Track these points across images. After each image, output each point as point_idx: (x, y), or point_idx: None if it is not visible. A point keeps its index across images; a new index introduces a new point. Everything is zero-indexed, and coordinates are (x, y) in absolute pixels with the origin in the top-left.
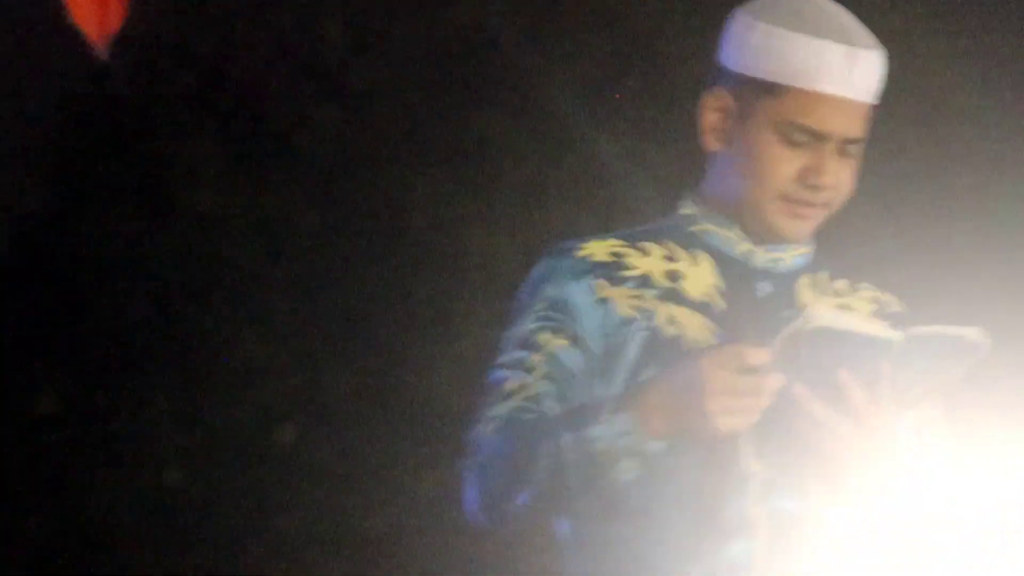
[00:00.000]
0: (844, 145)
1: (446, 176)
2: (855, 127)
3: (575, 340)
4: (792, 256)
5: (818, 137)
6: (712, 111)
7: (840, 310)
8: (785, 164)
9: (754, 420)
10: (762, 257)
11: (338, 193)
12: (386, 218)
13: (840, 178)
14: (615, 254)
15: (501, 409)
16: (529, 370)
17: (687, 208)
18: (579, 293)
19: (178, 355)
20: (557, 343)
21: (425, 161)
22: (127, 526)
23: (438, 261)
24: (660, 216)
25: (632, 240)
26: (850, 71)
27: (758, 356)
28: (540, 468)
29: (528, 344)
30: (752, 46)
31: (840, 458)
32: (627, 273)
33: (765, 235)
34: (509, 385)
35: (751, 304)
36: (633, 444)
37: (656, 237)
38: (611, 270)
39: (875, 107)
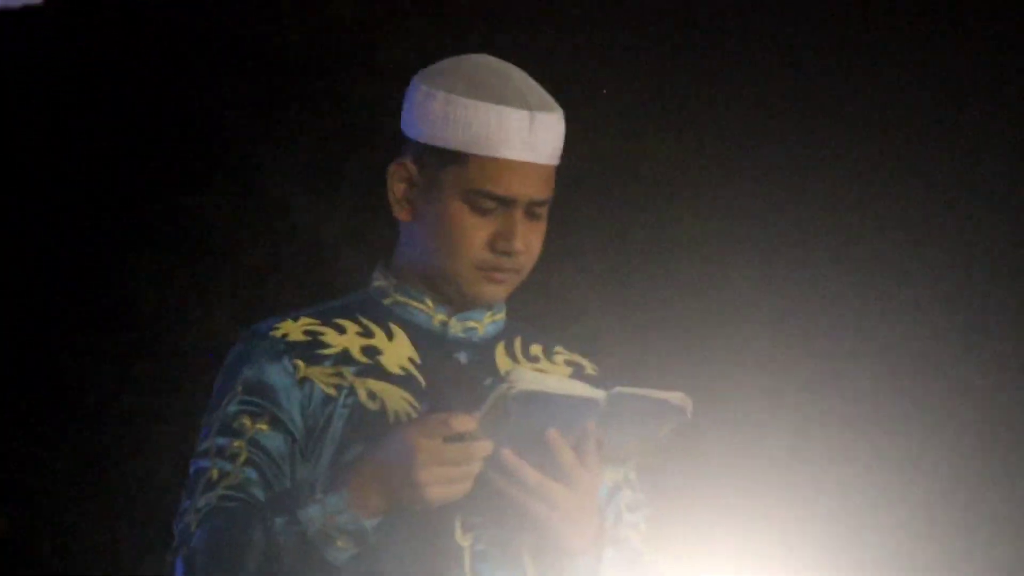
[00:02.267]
0: (531, 208)
1: (169, 258)
2: (540, 190)
3: (276, 423)
4: (486, 325)
5: (505, 203)
6: (397, 181)
7: (541, 373)
8: (475, 232)
9: (466, 488)
10: (456, 327)
11: (60, 277)
12: (108, 300)
13: (530, 241)
14: (310, 332)
15: (205, 500)
16: (231, 457)
17: (379, 281)
18: (277, 374)
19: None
20: (258, 427)
21: (147, 244)
22: None
23: (159, 343)
24: (354, 290)
25: (327, 317)
26: (531, 135)
27: (464, 423)
28: (252, 556)
29: (229, 430)
30: (431, 115)
31: (552, 522)
32: (324, 352)
33: (459, 301)
34: (212, 474)
35: (450, 374)
36: (347, 522)
37: (350, 312)
38: (308, 349)
39: (559, 167)
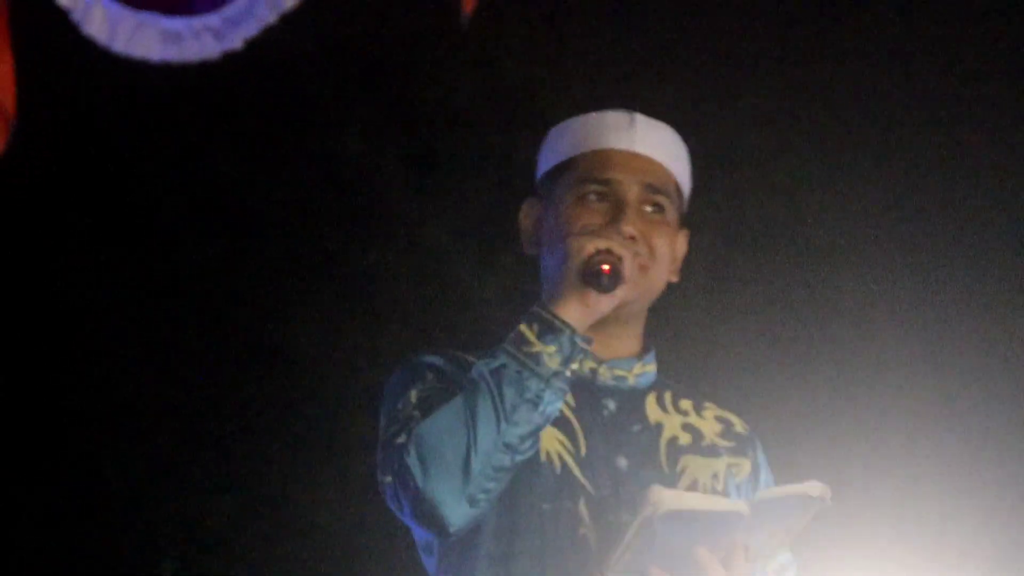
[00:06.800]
0: (643, 196)
1: (334, 306)
2: (647, 176)
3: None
4: (635, 374)
5: (612, 186)
6: (526, 218)
7: (684, 492)
8: (585, 217)
9: None
10: (606, 374)
11: (226, 319)
12: (273, 346)
13: (648, 234)
14: (470, 364)
15: (407, 420)
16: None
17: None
18: (443, 363)
19: (58, 483)
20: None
21: (313, 290)
22: None
23: (325, 388)
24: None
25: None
26: (631, 130)
27: None
28: (484, 393)
29: (409, 413)
30: (549, 146)
31: None
32: None
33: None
34: (406, 419)
35: (600, 420)
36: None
37: None
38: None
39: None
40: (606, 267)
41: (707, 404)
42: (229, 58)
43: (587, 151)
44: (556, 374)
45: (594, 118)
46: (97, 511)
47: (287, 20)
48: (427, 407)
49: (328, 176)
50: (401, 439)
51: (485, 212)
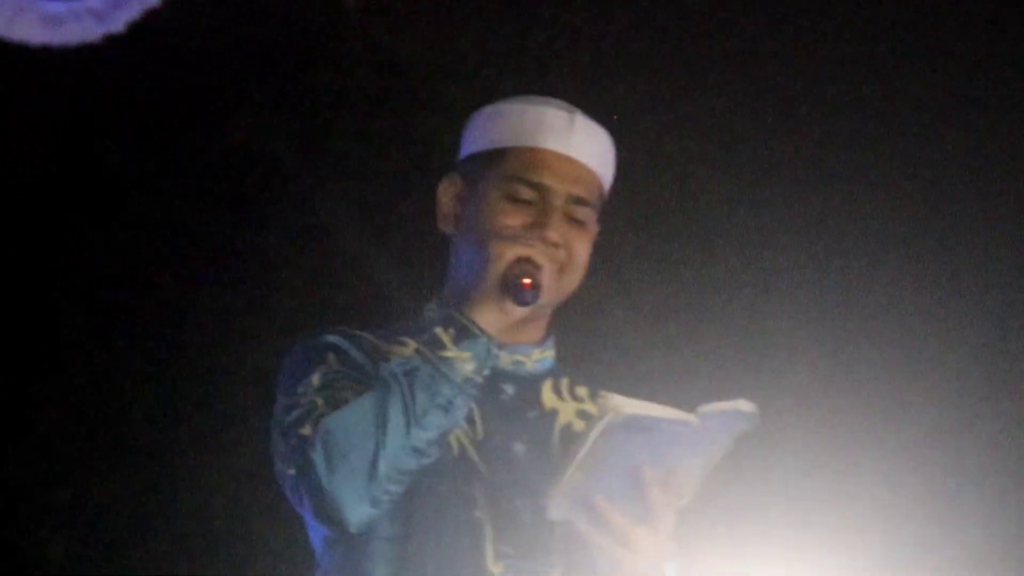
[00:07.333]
0: (570, 206)
1: (228, 288)
2: (578, 186)
3: (355, 382)
4: (533, 360)
5: (541, 191)
6: (445, 196)
7: (636, 400)
8: (510, 216)
9: None
10: (505, 359)
11: (116, 305)
12: (164, 328)
13: (570, 241)
14: (372, 344)
15: (313, 413)
16: (320, 403)
17: (432, 311)
18: (344, 344)
19: None
20: (338, 388)
21: (205, 275)
22: None
23: (217, 370)
24: (410, 317)
25: (386, 337)
26: (569, 133)
27: None
28: (398, 390)
29: (311, 393)
30: (478, 128)
31: (633, 567)
32: (391, 357)
33: (500, 323)
34: (308, 410)
35: (497, 404)
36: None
37: (408, 334)
38: (373, 351)
39: (612, 193)
40: (527, 280)
41: (603, 393)
42: (111, 41)
43: (520, 146)
44: (468, 380)
45: (532, 112)
46: None
47: (172, 1)
48: (331, 396)
49: (217, 161)
50: (305, 430)
51: (378, 192)
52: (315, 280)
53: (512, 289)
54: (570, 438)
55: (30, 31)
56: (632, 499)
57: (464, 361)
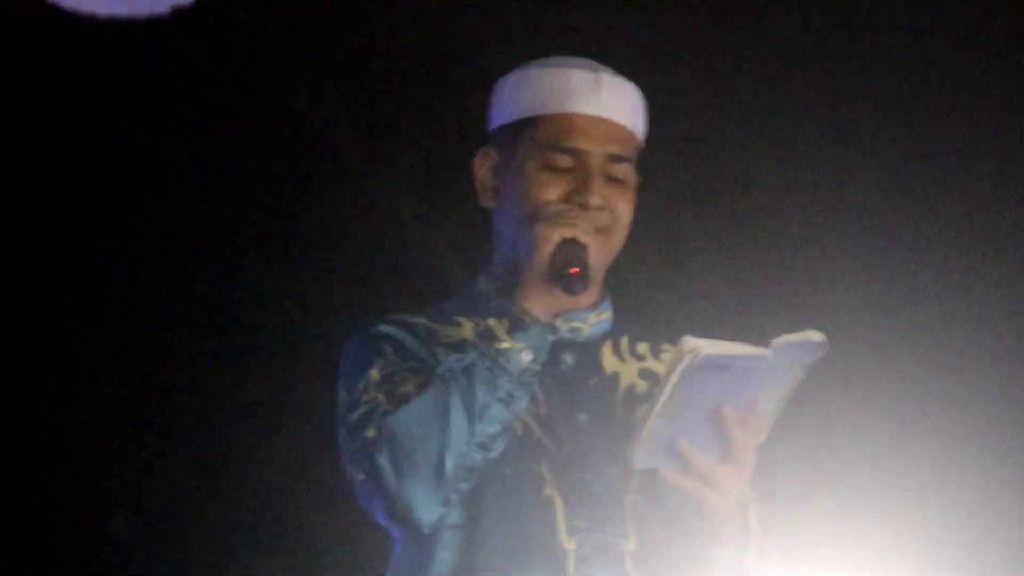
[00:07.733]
0: (608, 165)
1: (285, 266)
2: (613, 145)
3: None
4: (591, 324)
5: (578, 156)
6: (481, 169)
7: (713, 340)
8: (550, 188)
9: None
10: (563, 327)
11: (175, 280)
12: (220, 306)
13: (612, 201)
14: (427, 328)
15: (377, 411)
16: (384, 399)
17: (482, 284)
18: (400, 334)
19: (6, 440)
20: (401, 386)
21: (263, 251)
22: None
23: (276, 347)
24: (462, 288)
25: (440, 316)
26: (597, 92)
27: None
28: (459, 387)
29: (373, 396)
30: (506, 97)
31: (721, 508)
32: (446, 341)
33: (549, 304)
34: (373, 406)
35: (558, 376)
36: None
37: (463, 312)
38: (428, 335)
39: (648, 149)
40: (575, 269)
41: (664, 346)
42: (179, 13)
43: (551, 113)
44: (526, 371)
45: (557, 75)
46: (49, 467)
47: None
48: (391, 390)
49: (277, 135)
50: (370, 433)
51: (432, 166)
52: (370, 255)
53: (561, 280)
54: (633, 400)
55: (99, 3)
56: (713, 439)
57: (520, 351)
